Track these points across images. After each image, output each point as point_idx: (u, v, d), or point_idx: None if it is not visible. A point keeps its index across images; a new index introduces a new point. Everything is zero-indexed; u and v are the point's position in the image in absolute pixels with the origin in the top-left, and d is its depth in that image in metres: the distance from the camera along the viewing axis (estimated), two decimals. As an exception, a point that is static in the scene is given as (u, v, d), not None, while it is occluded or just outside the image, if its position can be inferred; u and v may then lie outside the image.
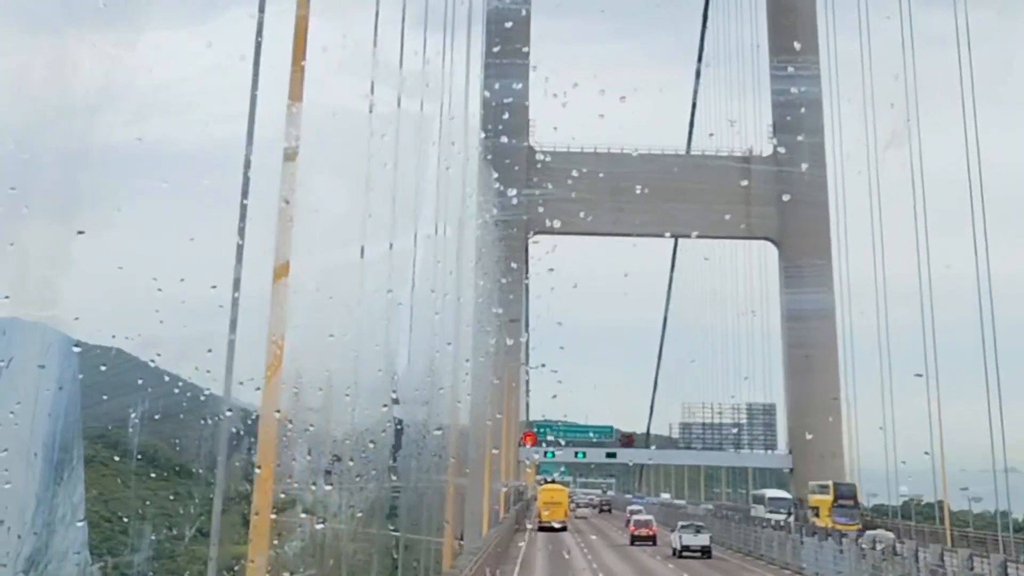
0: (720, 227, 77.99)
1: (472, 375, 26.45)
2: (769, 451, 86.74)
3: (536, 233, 68.92)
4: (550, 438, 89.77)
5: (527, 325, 59.44)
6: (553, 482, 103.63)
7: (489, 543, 25.90)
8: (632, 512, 62.40)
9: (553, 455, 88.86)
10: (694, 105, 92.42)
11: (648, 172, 75.76)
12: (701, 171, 79.04)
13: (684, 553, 43.45)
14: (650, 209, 74.19)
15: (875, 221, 62.98)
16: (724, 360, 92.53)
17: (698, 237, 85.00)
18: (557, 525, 63.09)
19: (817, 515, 55.01)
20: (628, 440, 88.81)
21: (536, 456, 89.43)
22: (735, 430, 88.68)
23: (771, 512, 58.64)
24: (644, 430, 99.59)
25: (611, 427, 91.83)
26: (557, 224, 62.64)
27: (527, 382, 68.95)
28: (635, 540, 52.39)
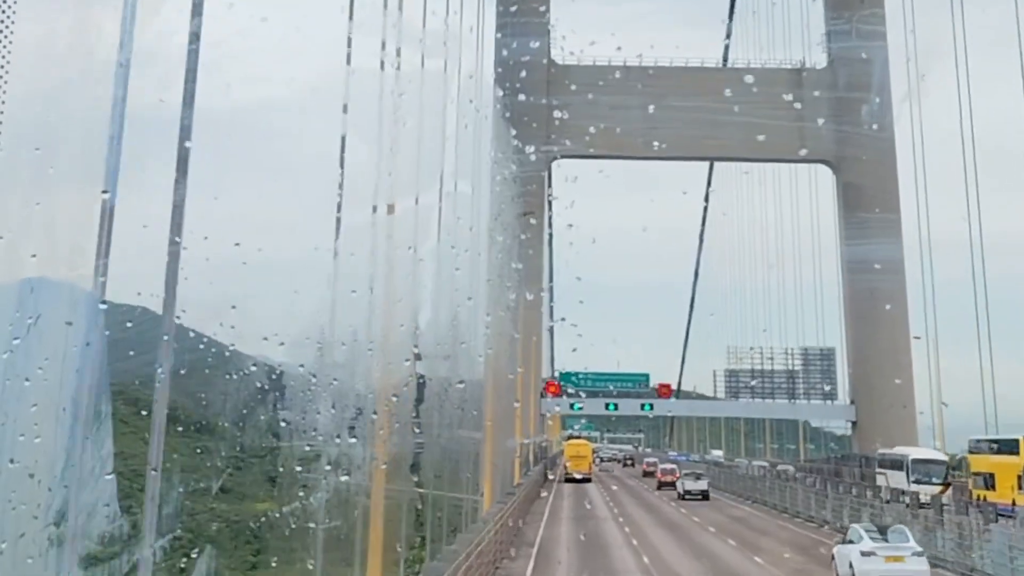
0: (767, 149, 76.84)
1: (493, 329, 29.22)
2: (828, 401, 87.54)
3: (561, 157, 67.72)
4: (571, 391, 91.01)
5: (550, 278, 66.40)
6: (579, 437, 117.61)
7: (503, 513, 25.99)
8: (649, 463, 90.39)
9: (580, 407, 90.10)
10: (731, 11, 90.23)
11: (684, 87, 74.37)
12: (744, 87, 77.44)
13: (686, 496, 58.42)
14: (687, 130, 73.22)
15: (963, 132, 62.16)
16: (765, 306, 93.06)
17: (742, 160, 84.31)
18: (580, 476, 77.90)
19: (990, 486, 39.72)
20: (666, 390, 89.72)
21: (557, 408, 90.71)
22: (789, 378, 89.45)
23: (918, 483, 42.20)
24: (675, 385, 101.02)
25: (647, 375, 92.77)
26: (589, 134, 62.09)
27: (551, 335, 77.30)
28: (661, 486, 70.07)
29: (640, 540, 33.30)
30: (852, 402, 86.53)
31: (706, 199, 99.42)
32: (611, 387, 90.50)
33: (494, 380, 30.25)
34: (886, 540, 23.74)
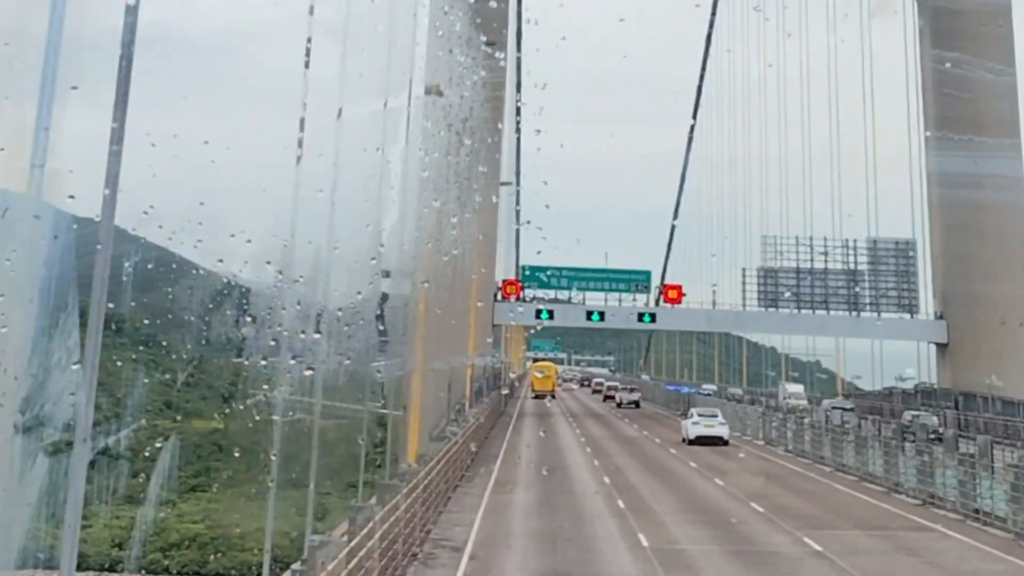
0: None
1: (459, 232, 37.92)
2: (907, 315, 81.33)
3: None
4: (539, 296, 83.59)
5: (518, 181, 74.83)
6: (544, 359, 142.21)
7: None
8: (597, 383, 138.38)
9: (549, 315, 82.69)
10: None
11: None
12: None
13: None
14: None
15: None
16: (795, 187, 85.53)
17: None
18: (544, 393, 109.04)
19: None
20: (675, 293, 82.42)
21: (515, 314, 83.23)
22: (850, 282, 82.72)
23: None
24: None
25: (647, 272, 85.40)
26: None
27: (517, 240, 77.61)
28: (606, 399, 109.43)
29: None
30: (940, 317, 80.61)
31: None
32: (592, 286, 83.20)
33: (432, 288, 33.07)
34: (705, 416, 56.69)
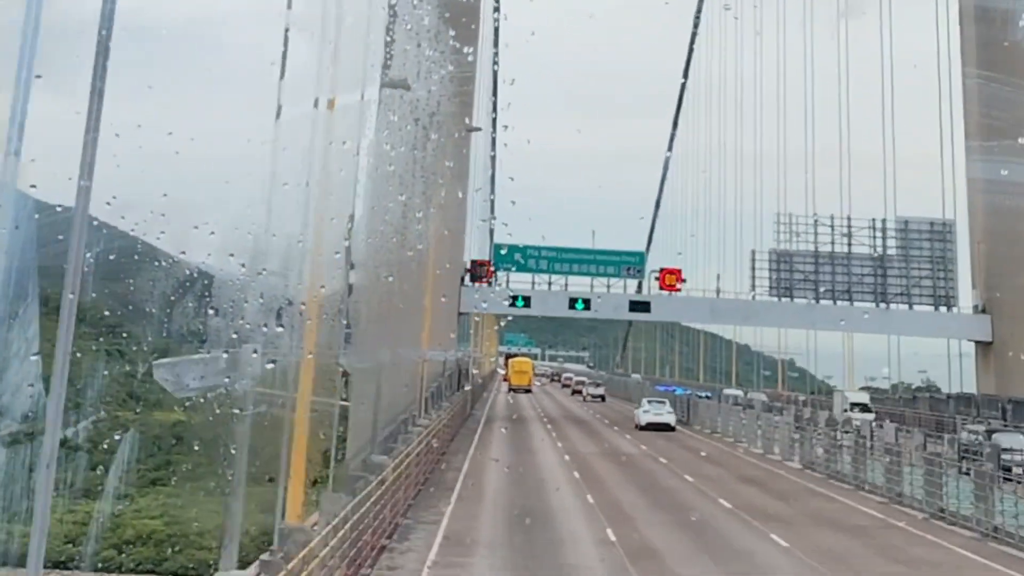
0: None
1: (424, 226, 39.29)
2: (944, 308, 69.52)
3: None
4: (513, 280, 71.53)
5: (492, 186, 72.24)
6: (519, 355, 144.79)
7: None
8: (566, 378, 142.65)
9: (525, 303, 70.38)
10: None
11: None
12: None
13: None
14: None
15: None
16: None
17: None
18: (521, 388, 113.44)
19: None
20: (672, 278, 70.33)
21: (483, 303, 70.91)
22: (878, 269, 70.83)
23: None
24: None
25: (640, 253, 73.33)
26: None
27: (491, 235, 69.49)
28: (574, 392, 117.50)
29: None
30: (983, 310, 68.90)
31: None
32: (576, 269, 71.10)
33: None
34: (655, 405, 65.30)
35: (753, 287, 71.42)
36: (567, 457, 44.47)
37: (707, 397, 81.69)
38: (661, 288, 70.58)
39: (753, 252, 72.21)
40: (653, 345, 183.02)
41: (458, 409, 60.90)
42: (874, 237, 71.79)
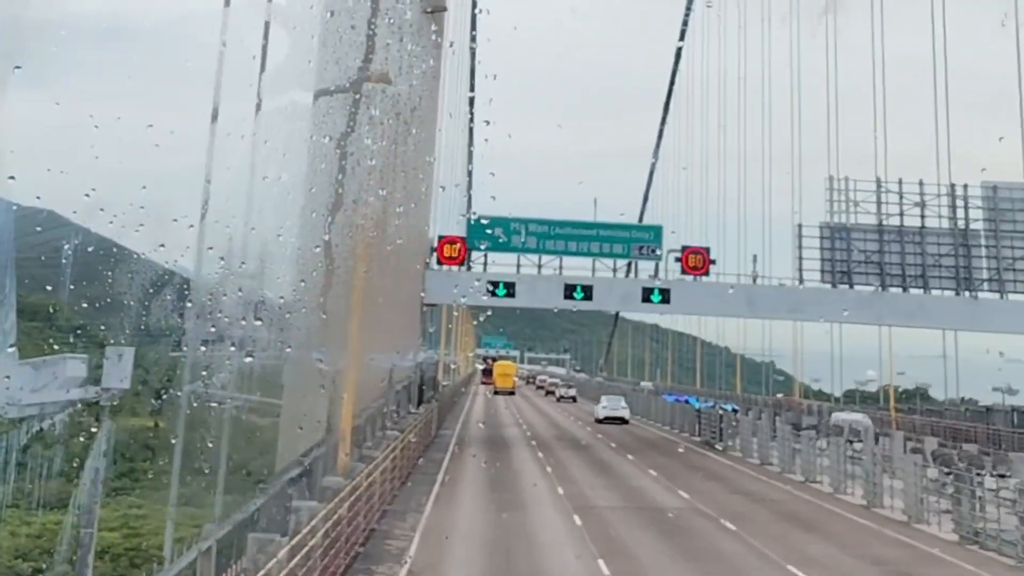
0: None
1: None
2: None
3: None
4: (491, 262, 55.80)
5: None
6: (500, 359, 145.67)
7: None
8: (541, 380, 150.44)
9: (508, 292, 54.25)
10: None
11: None
12: None
13: None
14: None
15: None
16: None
17: None
18: (506, 391, 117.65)
19: None
20: (697, 259, 54.43)
21: (458, 289, 54.70)
22: (959, 246, 55.08)
23: None
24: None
25: (658, 229, 57.19)
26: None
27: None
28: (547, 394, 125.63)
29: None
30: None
31: None
32: (573, 248, 55.24)
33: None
34: (610, 400, 76.70)
35: (800, 271, 55.66)
36: (577, 519, 28.41)
37: (734, 411, 65.85)
38: (684, 272, 54.74)
39: (799, 227, 56.40)
40: (640, 348, 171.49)
41: (426, 426, 44.97)
42: (953, 207, 56.16)
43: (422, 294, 54.96)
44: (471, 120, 68.81)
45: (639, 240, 55.53)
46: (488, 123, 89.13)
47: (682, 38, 72.02)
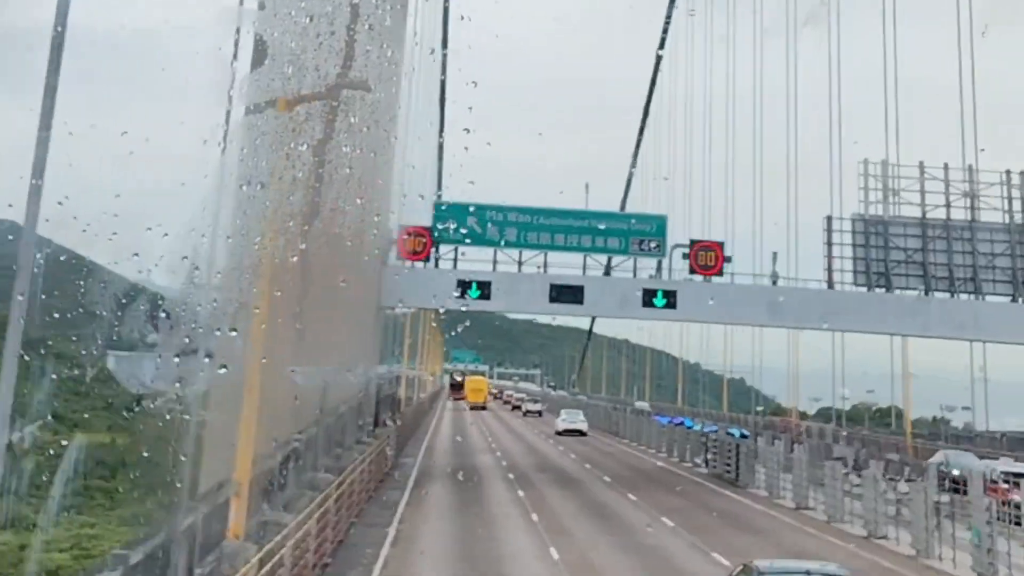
0: None
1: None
2: None
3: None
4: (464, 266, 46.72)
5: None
6: (470, 374, 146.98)
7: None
8: (507, 395, 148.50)
9: (482, 292, 44.95)
10: None
11: None
12: None
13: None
14: None
15: None
16: None
17: None
18: (478, 405, 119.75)
19: None
20: (710, 258, 45.45)
21: (425, 293, 45.34)
22: (1007, 244, 46.41)
23: None
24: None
25: (662, 219, 47.97)
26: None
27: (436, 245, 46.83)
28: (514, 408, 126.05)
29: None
30: None
31: None
32: (560, 242, 46.11)
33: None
34: (570, 413, 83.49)
35: (829, 271, 46.74)
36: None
37: (743, 436, 56.72)
38: (693, 271, 45.67)
39: (829, 219, 47.51)
40: (614, 364, 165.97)
41: (379, 459, 35.63)
42: (1009, 198, 47.52)
43: (391, 298, 46.05)
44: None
45: (639, 233, 46.36)
46: (468, 131, 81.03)
47: (662, 46, 64.07)
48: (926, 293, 46.04)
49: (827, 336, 60.16)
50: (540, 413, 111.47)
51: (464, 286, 44.87)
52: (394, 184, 45.33)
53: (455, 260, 46.31)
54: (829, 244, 46.85)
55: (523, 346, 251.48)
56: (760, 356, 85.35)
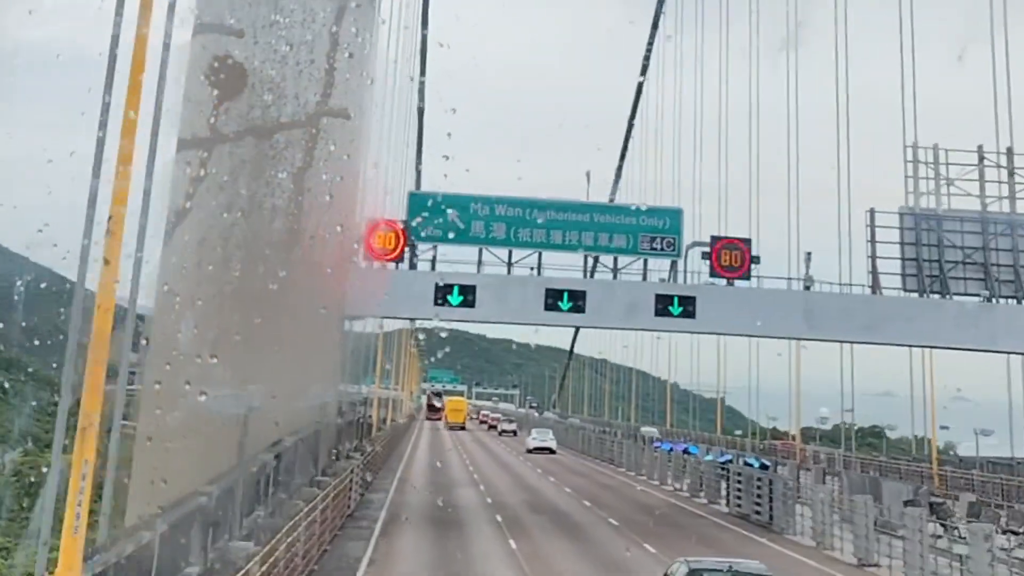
0: None
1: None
2: None
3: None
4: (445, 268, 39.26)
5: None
6: (449, 394, 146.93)
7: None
8: (484, 414, 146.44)
9: (464, 299, 37.55)
10: None
11: None
12: None
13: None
14: None
15: None
16: None
17: None
18: (458, 425, 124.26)
19: None
20: (732, 258, 38.36)
21: (397, 299, 37.96)
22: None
23: None
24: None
25: (676, 212, 40.64)
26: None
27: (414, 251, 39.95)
28: (490, 428, 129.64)
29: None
30: None
31: None
32: (557, 240, 38.82)
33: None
34: (540, 432, 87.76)
35: (874, 273, 39.63)
36: None
37: (763, 466, 49.33)
38: (714, 273, 38.46)
39: (871, 212, 40.41)
40: (596, 384, 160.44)
41: (338, 505, 28.07)
42: (1079, 189, 40.58)
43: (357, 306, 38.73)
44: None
45: (650, 229, 39.16)
46: (447, 158, 76.47)
47: (643, 73, 57.79)
48: (990, 299, 39.01)
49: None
50: (515, 432, 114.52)
51: (444, 291, 37.47)
52: (363, 168, 38.63)
53: (433, 261, 38.92)
54: (873, 242, 39.81)
55: (501, 366, 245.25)
56: (754, 374, 77.17)
